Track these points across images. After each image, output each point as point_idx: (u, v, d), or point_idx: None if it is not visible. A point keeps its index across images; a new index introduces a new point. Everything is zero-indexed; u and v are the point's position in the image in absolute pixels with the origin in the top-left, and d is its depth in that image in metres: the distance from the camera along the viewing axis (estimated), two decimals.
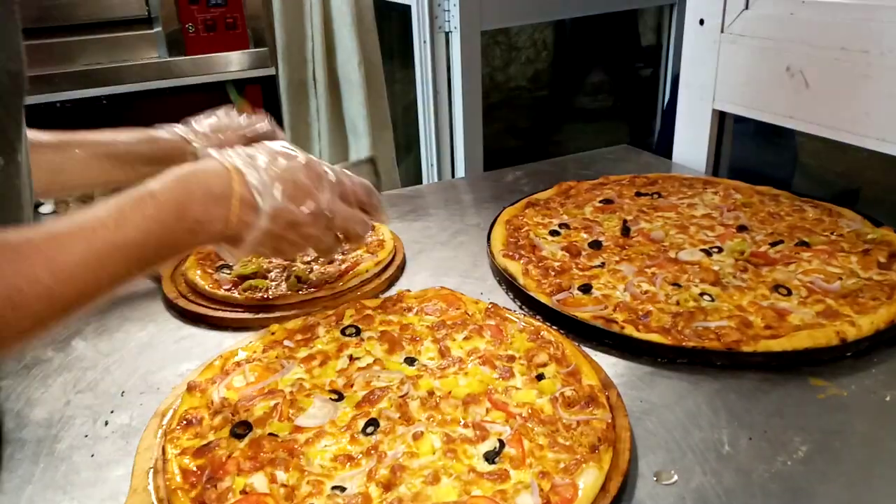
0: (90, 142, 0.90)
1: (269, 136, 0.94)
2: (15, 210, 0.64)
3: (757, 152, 1.48)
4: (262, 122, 0.95)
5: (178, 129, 0.91)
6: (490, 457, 0.57)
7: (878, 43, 0.93)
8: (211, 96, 2.56)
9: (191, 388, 0.66)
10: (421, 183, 2.31)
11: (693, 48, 1.19)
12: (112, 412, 0.70)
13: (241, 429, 0.61)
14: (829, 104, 0.99)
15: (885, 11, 0.93)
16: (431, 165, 2.19)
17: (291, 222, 0.65)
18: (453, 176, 2.21)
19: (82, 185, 0.97)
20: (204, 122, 0.92)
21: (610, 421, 0.60)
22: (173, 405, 0.66)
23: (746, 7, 1.08)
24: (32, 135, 0.89)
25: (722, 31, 1.12)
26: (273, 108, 2.40)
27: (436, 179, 2.19)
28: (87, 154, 0.90)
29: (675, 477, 0.58)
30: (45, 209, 2.14)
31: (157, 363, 0.77)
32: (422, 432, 0.59)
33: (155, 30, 2.17)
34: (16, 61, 0.64)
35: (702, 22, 1.15)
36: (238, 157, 0.64)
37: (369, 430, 0.60)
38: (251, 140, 0.94)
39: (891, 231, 0.89)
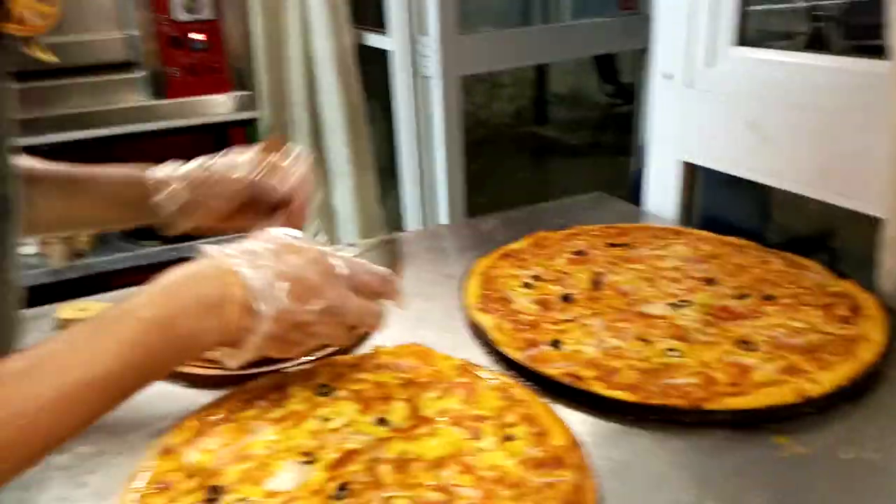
0: (85, 179, 0.87)
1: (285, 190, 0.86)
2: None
3: (728, 200, 1.52)
4: (281, 173, 0.86)
5: (163, 171, 0.87)
6: None
7: (832, 100, 0.97)
8: (195, 138, 2.59)
9: (165, 451, 0.67)
10: (402, 223, 2.34)
11: (659, 101, 1.23)
12: (89, 473, 0.70)
13: (212, 493, 0.62)
14: (788, 158, 1.03)
15: (838, 73, 0.97)
16: (413, 207, 2.21)
17: (298, 323, 0.61)
18: (435, 217, 2.23)
19: (73, 225, 0.95)
20: (197, 167, 0.86)
21: (576, 483, 0.61)
22: (148, 467, 0.66)
23: (708, 64, 1.12)
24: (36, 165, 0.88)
25: (686, 86, 1.16)
26: None
27: (418, 221, 2.22)
28: (83, 195, 0.88)
29: None
30: (28, 249, 2.13)
31: (132, 422, 0.78)
32: (390, 497, 0.60)
33: (137, 74, 2.20)
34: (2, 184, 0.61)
35: (667, 76, 1.19)
36: (238, 256, 0.60)
37: (340, 494, 0.61)
38: (253, 195, 0.86)
39: (852, 284, 0.92)
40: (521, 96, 5.80)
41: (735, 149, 1.10)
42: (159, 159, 0.94)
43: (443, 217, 2.20)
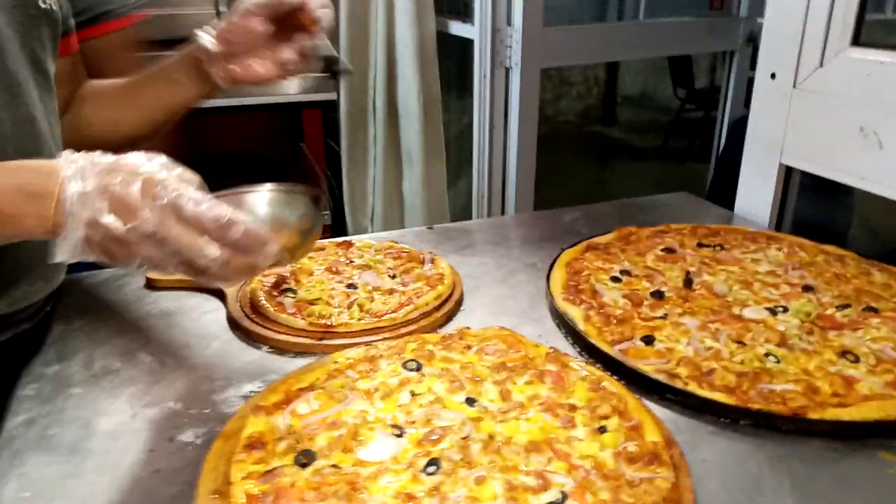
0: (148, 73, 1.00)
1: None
2: None
3: (816, 205, 1.46)
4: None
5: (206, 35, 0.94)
6: None
7: None
8: (272, 116, 2.62)
9: (256, 412, 0.67)
10: (469, 213, 2.33)
11: (763, 101, 1.18)
12: (177, 429, 0.71)
13: (305, 458, 0.62)
14: None
15: None
16: (482, 197, 2.20)
17: (113, 237, 0.62)
18: (503, 208, 2.22)
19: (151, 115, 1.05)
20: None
21: (674, 481, 0.59)
22: (238, 428, 0.67)
23: (821, 65, 1.07)
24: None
25: (794, 87, 1.11)
26: (332, 133, 2.45)
27: (486, 211, 2.21)
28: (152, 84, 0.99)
29: None
30: None
31: (220, 383, 0.79)
32: (484, 477, 0.59)
33: None
34: None
35: (773, 76, 1.14)
36: (75, 163, 0.64)
37: (431, 469, 0.60)
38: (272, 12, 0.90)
39: None
40: (589, 95, 5.73)
41: (845, 155, 1.05)
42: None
43: (510, 210, 2.18)
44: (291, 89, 2.35)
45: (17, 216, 0.63)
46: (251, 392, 0.76)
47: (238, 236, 0.62)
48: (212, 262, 0.62)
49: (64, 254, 0.64)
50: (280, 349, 0.85)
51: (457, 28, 2.25)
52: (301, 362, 0.81)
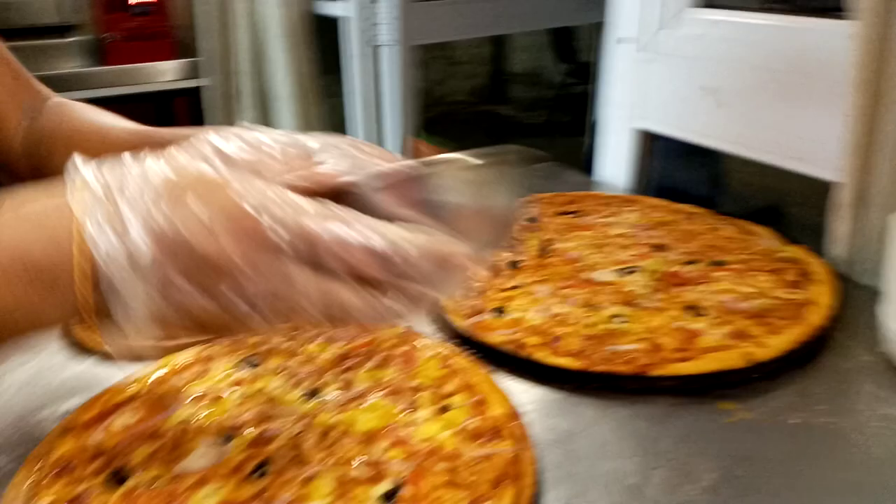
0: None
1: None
2: None
3: (683, 170, 1.50)
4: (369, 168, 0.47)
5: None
6: (387, 498, 0.54)
7: (788, 62, 0.94)
8: (139, 107, 2.47)
9: (65, 432, 0.61)
10: None
11: (612, 67, 1.19)
12: None
13: (117, 476, 0.56)
14: (743, 123, 1.00)
15: (792, 32, 0.94)
16: None
17: (187, 311, 0.38)
18: None
19: None
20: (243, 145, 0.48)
21: (513, 455, 0.57)
22: (47, 451, 0.61)
23: (661, 27, 1.08)
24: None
25: (638, 51, 1.13)
26: (198, 121, 2.33)
27: None
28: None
29: None
30: None
31: (37, 401, 0.71)
32: (312, 476, 0.55)
33: (70, 39, 2.08)
34: None
35: (620, 41, 1.15)
36: (99, 192, 0.38)
37: (258, 473, 0.56)
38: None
39: (802, 249, 0.90)
40: (476, 74, 5.75)
41: (690, 115, 1.07)
42: None
43: None
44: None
45: (21, 311, 0.39)
46: (70, 409, 0.69)
47: (409, 268, 0.40)
48: (368, 314, 0.40)
49: (131, 338, 0.41)
50: (112, 357, 0.78)
51: (327, 7, 2.18)
52: (133, 370, 0.74)
